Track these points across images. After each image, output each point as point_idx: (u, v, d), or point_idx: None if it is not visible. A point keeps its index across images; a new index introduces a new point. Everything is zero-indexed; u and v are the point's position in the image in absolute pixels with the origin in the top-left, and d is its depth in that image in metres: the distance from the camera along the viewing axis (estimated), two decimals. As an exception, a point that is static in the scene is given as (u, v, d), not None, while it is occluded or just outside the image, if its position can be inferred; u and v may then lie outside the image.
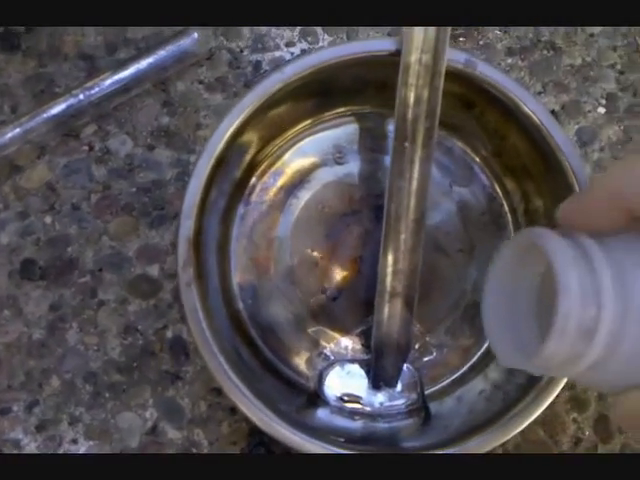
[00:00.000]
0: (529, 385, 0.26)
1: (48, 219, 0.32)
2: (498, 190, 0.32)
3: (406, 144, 0.28)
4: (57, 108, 0.33)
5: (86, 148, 0.34)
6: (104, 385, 0.29)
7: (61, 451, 0.28)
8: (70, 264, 0.31)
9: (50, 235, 0.32)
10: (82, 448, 0.28)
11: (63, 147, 0.33)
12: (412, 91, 0.27)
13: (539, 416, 0.26)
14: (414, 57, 0.26)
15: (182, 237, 0.26)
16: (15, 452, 0.28)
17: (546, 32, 0.37)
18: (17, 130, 0.32)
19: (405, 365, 0.30)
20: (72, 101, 0.33)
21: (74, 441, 0.28)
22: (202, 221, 0.27)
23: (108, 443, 0.28)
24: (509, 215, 0.32)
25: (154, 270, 0.32)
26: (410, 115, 0.27)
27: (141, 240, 0.32)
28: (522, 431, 0.26)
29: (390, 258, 0.29)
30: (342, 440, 0.26)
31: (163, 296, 0.31)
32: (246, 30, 0.36)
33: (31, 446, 0.28)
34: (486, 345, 0.30)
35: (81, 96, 0.33)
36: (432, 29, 0.26)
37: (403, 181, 0.28)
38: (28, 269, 0.31)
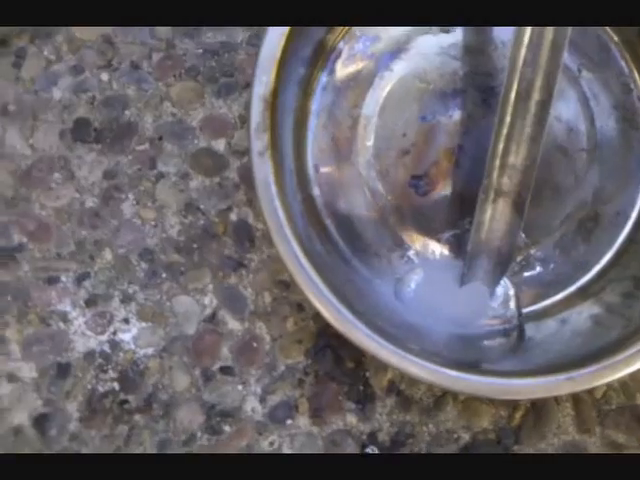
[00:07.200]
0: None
1: (105, 76, 0.28)
2: (638, 80, 0.26)
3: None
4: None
5: None
6: (161, 264, 0.26)
7: (111, 329, 0.26)
8: (128, 128, 0.28)
9: (106, 94, 0.28)
10: (134, 329, 0.26)
11: (124, -5, 0.29)
12: None
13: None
14: None
15: (256, 95, 0.21)
16: (63, 328, 0.26)
17: None
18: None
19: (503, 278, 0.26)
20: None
21: (125, 320, 0.26)
22: (279, 83, 0.23)
23: (162, 327, 0.26)
24: (647, 112, 0.27)
25: (220, 145, 0.28)
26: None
27: (206, 109, 0.28)
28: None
29: (501, 147, 0.24)
30: (417, 349, 0.23)
31: (229, 175, 0.28)
32: None
33: (79, 320, 0.26)
34: (603, 264, 0.26)
35: None
36: None
37: (530, 51, 0.23)
38: (82, 129, 0.28)
